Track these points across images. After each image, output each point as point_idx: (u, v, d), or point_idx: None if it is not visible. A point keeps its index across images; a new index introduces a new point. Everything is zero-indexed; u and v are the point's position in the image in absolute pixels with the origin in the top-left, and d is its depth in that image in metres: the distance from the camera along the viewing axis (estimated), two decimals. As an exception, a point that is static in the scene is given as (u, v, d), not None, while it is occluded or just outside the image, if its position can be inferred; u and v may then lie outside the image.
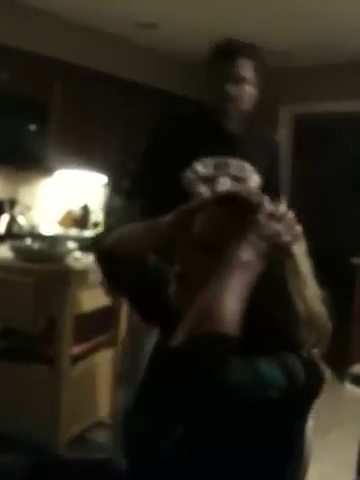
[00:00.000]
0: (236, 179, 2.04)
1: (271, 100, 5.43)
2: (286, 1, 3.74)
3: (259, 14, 4.01)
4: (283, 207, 1.13)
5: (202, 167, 2.04)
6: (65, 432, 2.49)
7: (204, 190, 2.00)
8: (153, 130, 2.22)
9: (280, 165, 2.34)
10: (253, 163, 2.11)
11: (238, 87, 2.08)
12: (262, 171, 2.14)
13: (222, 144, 2.09)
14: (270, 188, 2.02)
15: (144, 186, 2.11)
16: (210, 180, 2.02)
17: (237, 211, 1.05)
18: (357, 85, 4.99)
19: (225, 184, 2.01)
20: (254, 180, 2.11)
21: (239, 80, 2.09)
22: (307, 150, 6.68)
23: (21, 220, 4.08)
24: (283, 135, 5.53)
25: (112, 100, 4.48)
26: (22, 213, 4.15)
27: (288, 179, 5.64)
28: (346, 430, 2.90)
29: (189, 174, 2.04)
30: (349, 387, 3.66)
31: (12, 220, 4.02)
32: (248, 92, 2.13)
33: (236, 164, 2.07)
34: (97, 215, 4.76)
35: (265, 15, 4.02)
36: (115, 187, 2.31)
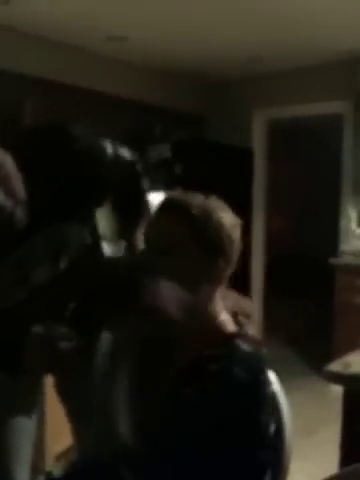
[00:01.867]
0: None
1: (244, 105, 5.51)
2: (254, 8, 3.78)
3: (228, 21, 4.05)
4: None
5: None
6: (52, 449, 2.47)
7: None
8: None
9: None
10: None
11: None
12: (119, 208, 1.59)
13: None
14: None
15: None
16: None
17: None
18: (328, 87, 5.06)
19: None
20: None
21: None
22: (283, 154, 6.76)
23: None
24: (258, 140, 5.59)
25: (84, 113, 4.47)
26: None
27: (265, 183, 5.70)
28: (332, 429, 2.91)
29: None
30: (334, 386, 3.69)
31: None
32: None
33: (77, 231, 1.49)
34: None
35: (233, 22, 4.06)
36: None
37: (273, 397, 1.25)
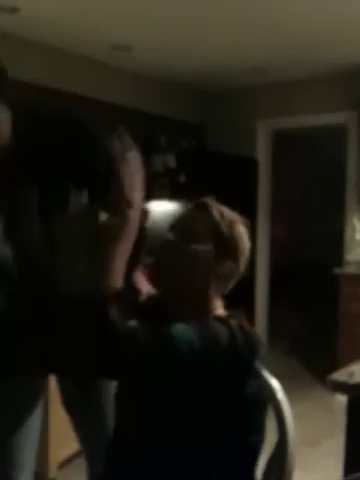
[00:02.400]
0: (70, 218, 1.53)
1: (248, 116, 5.53)
2: (257, 19, 3.80)
3: (231, 32, 4.07)
4: None
5: None
6: (55, 456, 2.47)
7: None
8: None
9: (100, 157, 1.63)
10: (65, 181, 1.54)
11: None
12: (82, 182, 1.57)
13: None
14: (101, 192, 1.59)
15: None
16: None
17: None
18: (332, 98, 5.08)
19: None
20: (78, 202, 1.54)
21: None
22: (287, 164, 6.77)
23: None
24: (262, 150, 5.60)
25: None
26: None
27: (269, 193, 5.71)
28: (336, 440, 2.90)
29: None
30: (339, 397, 3.68)
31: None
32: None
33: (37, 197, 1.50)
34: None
35: (237, 33, 4.08)
36: None
37: (277, 405, 1.25)
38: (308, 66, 4.83)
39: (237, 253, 1.25)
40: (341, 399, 3.52)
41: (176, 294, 1.24)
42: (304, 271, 6.75)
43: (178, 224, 1.27)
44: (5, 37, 4.09)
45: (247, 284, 5.77)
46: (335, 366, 3.85)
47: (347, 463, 1.75)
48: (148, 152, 4.93)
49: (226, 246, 1.24)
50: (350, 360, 1.89)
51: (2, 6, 3.61)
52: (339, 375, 1.64)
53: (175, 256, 1.23)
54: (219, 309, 1.27)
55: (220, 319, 1.18)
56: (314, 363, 4.86)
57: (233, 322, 1.17)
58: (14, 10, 3.67)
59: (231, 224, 1.25)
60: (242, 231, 1.27)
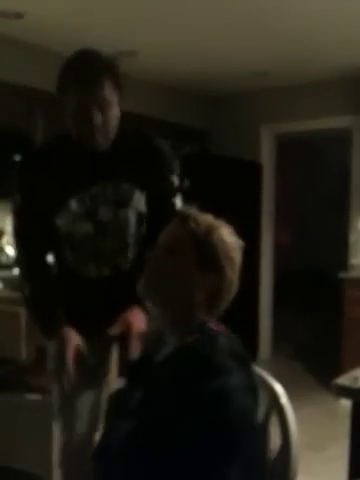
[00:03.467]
0: (118, 203, 1.86)
1: (252, 120, 5.54)
2: (261, 24, 3.81)
3: (235, 37, 4.08)
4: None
5: (76, 204, 1.82)
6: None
7: (86, 228, 1.83)
8: (16, 176, 1.98)
9: (167, 167, 2.03)
10: (131, 179, 1.88)
11: (102, 114, 1.80)
12: (145, 183, 1.91)
13: (92, 168, 1.85)
14: (160, 196, 1.95)
15: (30, 241, 1.92)
16: (90, 213, 1.83)
17: None
18: (336, 102, 5.08)
19: (107, 212, 1.85)
20: (138, 201, 1.90)
21: (103, 106, 1.80)
22: (291, 169, 6.77)
23: (9, 250, 4.08)
24: (266, 154, 5.60)
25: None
26: (10, 243, 4.16)
27: (273, 198, 5.71)
28: (342, 445, 2.90)
29: (64, 215, 1.82)
30: (343, 402, 3.67)
31: (0, 250, 4.03)
32: (112, 114, 1.85)
33: (113, 188, 1.85)
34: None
35: (241, 37, 4.09)
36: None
37: (280, 410, 1.25)
38: (312, 70, 4.84)
39: (219, 260, 1.23)
40: (345, 404, 3.52)
41: (163, 306, 1.26)
42: (308, 276, 6.74)
43: (160, 238, 1.29)
44: (9, 42, 4.11)
45: (252, 290, 5.76)
46: (339, 371, 3.85)
47: (351, 468, 1.75)
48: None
49: (207, 254, 1.23)
50: (354, 365, 1.89)
51: (6, 12, 3.63)
52: (343, 380, 1.64)
53: (156, 269, 1.25)
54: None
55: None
56: (318, 368, 4.85)
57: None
58: (19, 16, 3.69)
59: (209, 231, 1.24)
60: (222, 235, 1.25)
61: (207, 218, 1.27)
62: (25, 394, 2.51)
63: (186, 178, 4.80)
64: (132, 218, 1.88)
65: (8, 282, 2.59)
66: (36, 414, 2.48)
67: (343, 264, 4.90)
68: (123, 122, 1.92)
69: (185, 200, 4.82)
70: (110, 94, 1.81)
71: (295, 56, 4.48)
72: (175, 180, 2.06)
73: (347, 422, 1.78)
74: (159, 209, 1.91)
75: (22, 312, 2.40)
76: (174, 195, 2.03)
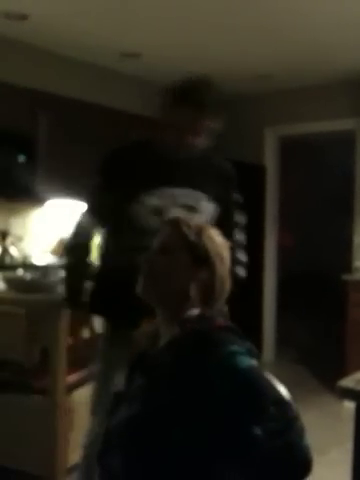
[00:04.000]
0: (187, 208, 2.08)
1: (255, 123, 5.54)
2: (265, 26, 3.81)
3: (239, 39, 4.08)
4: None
5: (150, 199, 2.07)
6: (62, 461, 2.47)
7: (153, 222, 2.01)
8: (101, 162, 2.27)
9: (233, 184, 2.42)
10: (203, 188, 2.15)
11: (198, 137, 2.10)
12: (216, 198, 2.20)
13: (170, 173, 2.11)
14: (225, 207, 2.23)
15: (99, 217, 2.20)
16: (160, 211, 2.06)
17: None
18: (340, 104, 5.07)
19: (178, 214, 2.02)
20: (206, 208, 2.16)
21: (205, 128, 2.10)
22: (295, 171, 6.76)
23: (13, 251, 4.09)
24: (269, 156, 5.60)
25: (98, 129, 4.52)
26: (14, 244, 4.16)
27: (277, 200, 5.70)
28: (346, 448, 2.89)
29: (137, 207, 2.07)
30: (347, 404, 3.66)
31: (4, 251, 4.03)
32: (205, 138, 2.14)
33: (185, 193, 2.11)
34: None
35: (245, 40, 4.09)
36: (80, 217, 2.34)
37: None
38: (316, 72, 4.83)
39: (210, 256, 1.36)
40: (349, 406, 3.52)
41: (162, 303, 1.36)
42: (311, 278, 6.72)
43: (155, 242, 1.42)
44: (14, 44, 4.12)
45: (256, 292, 5.74)
46: (343, 373, 3.84)
47: (356, 471, 1.74)
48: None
49: (199, 252, 1.35)
50: (358, 367, 1.88)
51: (11, 13, 3.64)
52: (347, 382, 1.64)
53: (153, 269, 1.37)
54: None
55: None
56: (321, 370, 4.84)
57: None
58: (23, 17, 3.70)
59: (199, 231, 1.38)
60: (211, 235, 1.40)
61: (197, 222, 1.43)
62: (28, 396, 2.51)
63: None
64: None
65: (12, 283, 2.59)
66: (39, 415, 2.47)
67: (346, 266, 4.88)
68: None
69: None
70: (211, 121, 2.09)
71: (298, 58, 4.47)
72: (239, 197, 2.40)
73: (351, 425, 1.78)
74: (223, 219, 2.15)
75: (26, 313, 2.39)
76: (236, 209, 2.34)
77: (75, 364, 2.57)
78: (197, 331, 1.25)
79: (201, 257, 1.35)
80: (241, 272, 2.20)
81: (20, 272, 2.95)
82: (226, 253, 1.41)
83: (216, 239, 1.40)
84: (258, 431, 1.10)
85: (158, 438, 1.17)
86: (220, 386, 1.15)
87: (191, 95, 2.11)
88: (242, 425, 1.12)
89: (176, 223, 1.40)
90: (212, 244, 1.38)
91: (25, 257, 4.22)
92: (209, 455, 1.15)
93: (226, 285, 1.39)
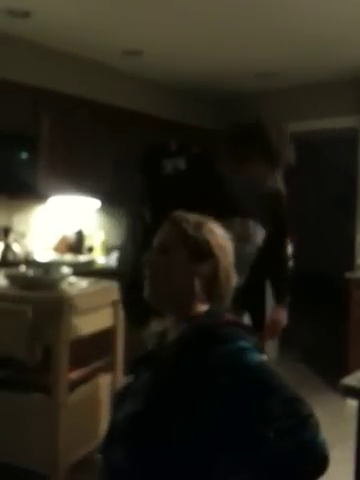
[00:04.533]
0: (241, 238, 2.05)
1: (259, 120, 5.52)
2: (268, 24, 3.80)
3: (242, 37, 4.07)
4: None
5: None
6: (65, 459, 2.46)
7: None
8: (151, 188, 2.29)
9: (284, 211, 2.43)
10: (255, 216, 2.16)
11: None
12: (266, 221, 2.21)
13: (222, 204, 2.05)
14: (277, 235, 2.28)
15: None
16: None
17: None
18: (342, 102, 5.06)
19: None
20: (259, 235, 2.19)
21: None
22: (297, 169, 6.73)
23: (16, 248, 4.09)
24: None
25: (100, 126, 4.52)
26: (16, 241, 4.16)
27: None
28: (349, 446, 2.88)
29: None
30: (350, 403, 3.65)
31: (7, 248, 4.03)
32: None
33: (240, 222, 2.11)
34: (91, 240, 4.78)
35: (247, 37, 4.08)
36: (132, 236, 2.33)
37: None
38: (318, 70, 4.82)
39: (212, 248, 1.33)
40: (352, 404, 3.51)
41: (169, 304, 1.34)
42: (315, 277, 6.71)
43: (154, 241, 1.40)
44: (16, 41, 4.12)
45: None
46: (346, 372, 3.83)
47: (359, 469, 1.73)
48: (159, 156, 4.93)
49: (199, 246, 1.33)
50: (362, 366, 1.87)
51: (14, 11, 3.63)
52: (350, 380, 1.63)
53: (156, 270, 1.35)
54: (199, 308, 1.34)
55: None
56: (325, 369, 4.83)
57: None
58: (26, 15, 3.69)
59: (198, 225, 1.35)
60: (211, 228, 1.37)
61: (194, 216, 1.39)
62: (30, 393, 2.51)
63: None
64: (252, 251, 2.15)
65: (14, 280, 2.58)
66: (41, 413, 2.47)
67: (349, 265, 4.87)
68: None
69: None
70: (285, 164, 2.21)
71: (301, 56, 4.46)
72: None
73: (354, 423, 1.77)
74: (274, 243, 2.22)
75: (29, 310, 2.39)
76: (286, 234, 2.43)
77: (78, 361, 2.57)
78: (204, 327, 1.24)
79: (203, 251, 1.33)
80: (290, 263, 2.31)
81: (22, 269, 2.94)
82: (228, 245, 1.38)
83: (216, 231, 1.37)
84: (268, 429, 1.08)
85: (160, 433, 1.16)
86: (228, 382, 1.13)
87: (259, 146, 2.08)
88: (251, 424, 1.10)
89: (174, 220, 1.37)
90: (213, 237, 1.35)
91: (27, 254, 4.23)
92: (212, 452, 1.14)
93: (231, 277, 1.37)
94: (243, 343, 1.19)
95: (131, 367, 1.40)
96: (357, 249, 4.95)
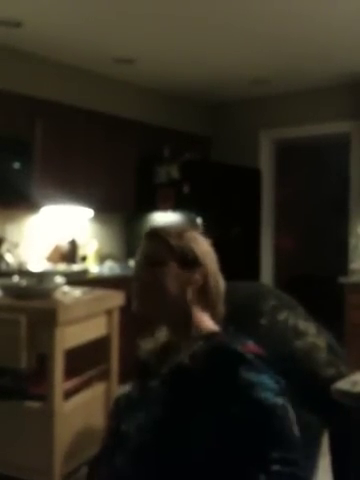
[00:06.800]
0: None
1: (251, 126, 5.55)
2: (261, 31, 3.82)
3: (234, 43, 4.10)
4: None
5: None
6: (60, 469, 2.45)
7: None
8: None
9: None
10: None
11: None
12: None
13: None
14: None
15: None
16: None
17: None
18: (335, 107, 5.09)
19: None
20: None
21: None
22: (290, 174, 6.77)
23: (9, 258, 4.08)
24: (265, 160, 5.61)
25: (93, 134, 4.53)
26: (9, 251, 4.16)
27: (272, 203, 5.71)
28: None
29: None
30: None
31: (0, 258, 4.03)
32: None
33: None
34: (85, 249, 4.78)
35: (240, 44, 4.10)
36: None
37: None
38: (311, 76, 4.85)
39: (197, 256, 1.35)
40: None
41: (162, 315, 1.35)
42: (309, 281, 6.72)
43: (137, 256, 1.40)
44: (8, 51, 4.13)
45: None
46: (341, 376, 3.84)
47: (356, 473, 1.73)
48: (152, 163, 4.94)
49: (186, 255, 1.34)
50: (357, 369, 1.87)
51: (5, 20, 3.65)
52: (342, 384, 1.63)
53: (145, 285, 1.34)
54: (207, 321, 1.34)
55: None
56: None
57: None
58: (17, 24, 3.71)
59: (179, 235, 1.36)
60: (192, 235, 1.38)
61: (174, 226, 1.42)
62: (25, 402, 2.50)
63: (186, 184, 4.81)
64: None
65: (7, 290, 2.58)
66: (36, 422, 2.46)
67: (344, 269, 4.89)
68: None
69: (185, 206, 4.82)
70: None
71: (294, 62, 4.49)
72: None
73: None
74: None
75: (23, 320, 2.38)
76: None
77: (73, 370, 2.57)
78: (231, 349, 1.23)
79: (190, 259, 1.34)
80: None
81: (16, 279, 2.94)
82: (212, 250, 1.39)
83: (199, 238, 1.38)
84: (261, 473, 1.10)
85: (181, 441, 1.17)
86: (237, 414, 1.14)
87: None
88: (247, 461, 1.12)
89: (155, 233, 1.38)
90: (196, 244, 1.36)
91: (21, 264, 4.22)
92: (210, 466, 1.15)
93: (220, 282, 1.38)
94: (264, 379, 1.19)
95: (136, 380, 1.40)
96: (350, 253, 4.97)
